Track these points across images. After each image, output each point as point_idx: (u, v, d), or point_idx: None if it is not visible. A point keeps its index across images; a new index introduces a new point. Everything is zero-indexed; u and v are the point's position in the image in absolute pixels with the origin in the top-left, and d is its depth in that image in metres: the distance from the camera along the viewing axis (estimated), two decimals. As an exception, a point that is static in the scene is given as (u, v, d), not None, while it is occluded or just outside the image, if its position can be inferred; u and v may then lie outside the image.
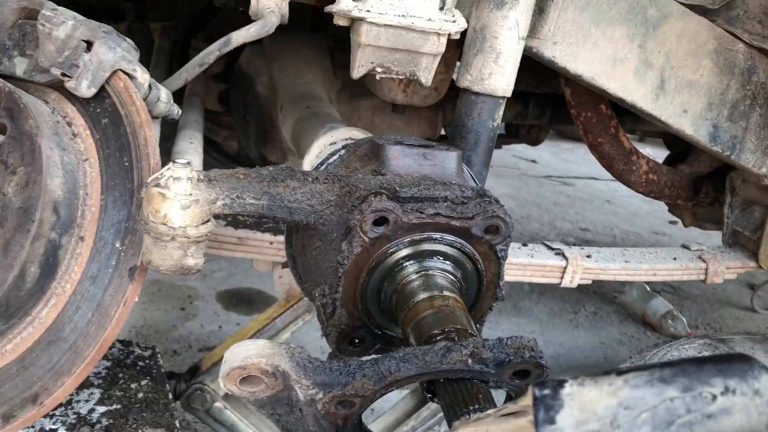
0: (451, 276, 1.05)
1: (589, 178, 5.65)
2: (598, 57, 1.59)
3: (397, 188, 1.04)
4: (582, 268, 1.72)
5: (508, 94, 1.44)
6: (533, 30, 1.51)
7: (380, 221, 1.01)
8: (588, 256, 1.77)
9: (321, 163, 1.23)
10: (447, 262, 1.06)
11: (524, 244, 1.79)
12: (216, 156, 2.95)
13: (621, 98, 1.65)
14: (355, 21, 1.34)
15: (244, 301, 2.86)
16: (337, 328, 1.07)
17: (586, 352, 2.86)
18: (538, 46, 1.55)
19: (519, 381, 0.88)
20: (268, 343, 0.86)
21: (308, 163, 1.56)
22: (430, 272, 1.04)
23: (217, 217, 1.05)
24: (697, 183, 2.10)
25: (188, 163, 0.99)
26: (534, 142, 3.04)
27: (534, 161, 6.32)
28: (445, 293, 1.01)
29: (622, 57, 1.61)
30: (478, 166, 1.46)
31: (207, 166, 1.38)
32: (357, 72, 1.39)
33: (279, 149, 2.47)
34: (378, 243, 1.03)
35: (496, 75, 1.40)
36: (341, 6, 1.32)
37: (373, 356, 0.88)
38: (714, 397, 0.53)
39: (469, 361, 0.85)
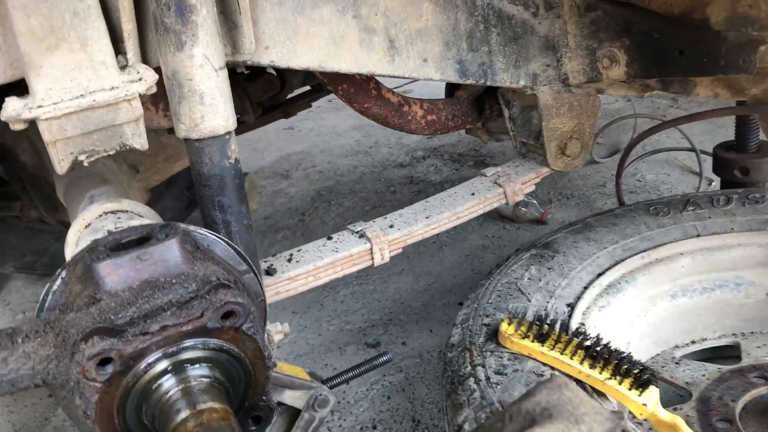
0: (206, 378, 1.01)
1: (411, 81, 5.53)
2: (317, 44, 1.51)
3: (113, 317, 0.96)
4: (387, 242, 1.71)
5: (232, 127, 1.35)
6: (236, 46, 1.42)
7: (104, 362, 0.94)
8: (390, 226, 1.76)
9: (46, 294, 1.13)
10: (197, 366, 1.01)
11: (329, 238, 1.76)
12: (17, 233, 2.74)
13: (356, 72, 1.60)
14: (32, 122, 1.21)
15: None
16: (115, 469, 1.01)
17: (455, 271, 2.92)
18: (252, 58, 1.46)
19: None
20: None
21: (69, 256, 1.45)
22: (183, 385, 0.99)
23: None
24: (479, 102, 2.10)
25: None
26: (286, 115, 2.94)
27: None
28: (200, 407, 0.96)
29: (341, 34, 1.53)
30: (234, 207, 1.39)
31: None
32: (61, 168, 1.27)
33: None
34: (115, 381, 0.96)
35: (210, 115, 1.31)
36: (9, 113, 1.19)
37: None
38: None
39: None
